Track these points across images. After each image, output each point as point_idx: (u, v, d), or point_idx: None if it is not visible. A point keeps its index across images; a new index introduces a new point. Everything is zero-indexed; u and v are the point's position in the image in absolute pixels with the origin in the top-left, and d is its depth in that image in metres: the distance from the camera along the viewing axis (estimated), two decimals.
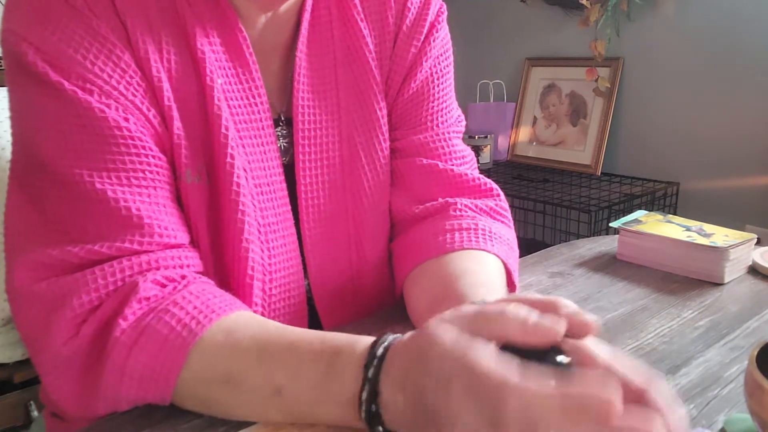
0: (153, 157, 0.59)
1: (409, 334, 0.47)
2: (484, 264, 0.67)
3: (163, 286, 0.56)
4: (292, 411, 0.50)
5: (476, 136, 2.38)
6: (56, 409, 0.71)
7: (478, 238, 0.69)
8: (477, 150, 2.36)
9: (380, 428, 0.46)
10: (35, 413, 1.07)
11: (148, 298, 0.54)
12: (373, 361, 0.47)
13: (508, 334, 0.42)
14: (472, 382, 0.40)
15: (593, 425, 0.37)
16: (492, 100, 2.63)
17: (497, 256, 0.69)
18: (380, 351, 0.47)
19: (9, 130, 0.95)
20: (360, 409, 0.47)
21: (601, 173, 2.28)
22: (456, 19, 0.79)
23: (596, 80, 2.27)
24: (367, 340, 0.50)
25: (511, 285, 0.71)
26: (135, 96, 0.58)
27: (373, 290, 0.76)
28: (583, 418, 0.37)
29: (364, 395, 0.46)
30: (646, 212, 0.97)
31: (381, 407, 0.46)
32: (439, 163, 0.75)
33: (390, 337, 0.48)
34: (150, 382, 0.52)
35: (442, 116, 0.77)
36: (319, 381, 0.49)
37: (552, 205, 2.07)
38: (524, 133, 2.50)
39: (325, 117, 0.71)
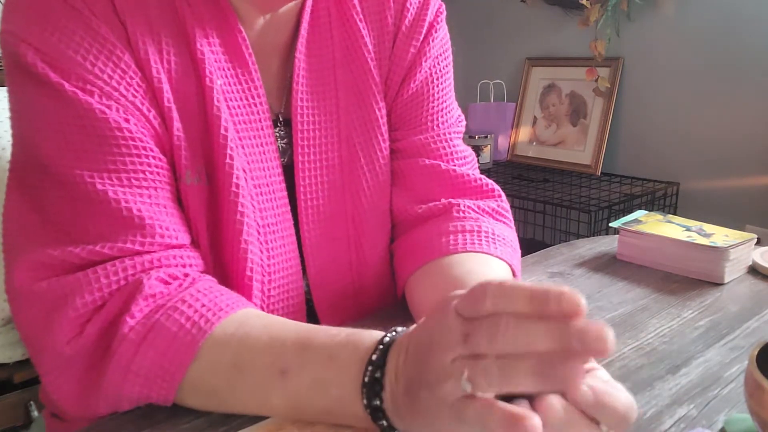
0: (153, 158, 0.59)
1: None
2: (490, 267, 0.67)
3: (168, 283, 0.56)
4: (292, 393, 0.50)
5: (476, 136, 2.38)
6: (56, 410, 0.71)
7: (481, 240, 0.69)
8: (477, 150, 2.36)
9: (377, 402, 0.46)
10: (35, 413, 1.07)
11: (154, 296, 0.54)
12: (393, 332, 0.48)
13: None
14: (464, 297, 0.41)
15: (557, 324, 0.38)
16: (492, 100, 2.63)
17: (501, 258, 0.69)
18: (400, 328, 0.48)
19: (9, 131, 0.95)
20: (364, 375, 0.46)
21: (601, 173, 2.28)
22: (456, 19, 0.79)
23: (596, 80, 2.27)
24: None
25: None
26: (135, 97, 0.58)
27: (374, 291, 0.76)
28: (548, 309, 0.38)
29: (374, 357, 0.46)
30: (646, 212, 0.97)
31: (384, 377, 0.46)
32: (441, 163, 0.75)
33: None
34: (156, 380, 0.52)
35: (442, 116, 0.77)
36: (329, 354, 0.49)
37: (552, 205, 2.07)
38: (524, 133, 2.50)
39: (324, 118, 0.71)
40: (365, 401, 0.46)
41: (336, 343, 0.50)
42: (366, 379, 0.46)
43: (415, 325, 0.47)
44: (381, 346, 0.47)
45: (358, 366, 0.47)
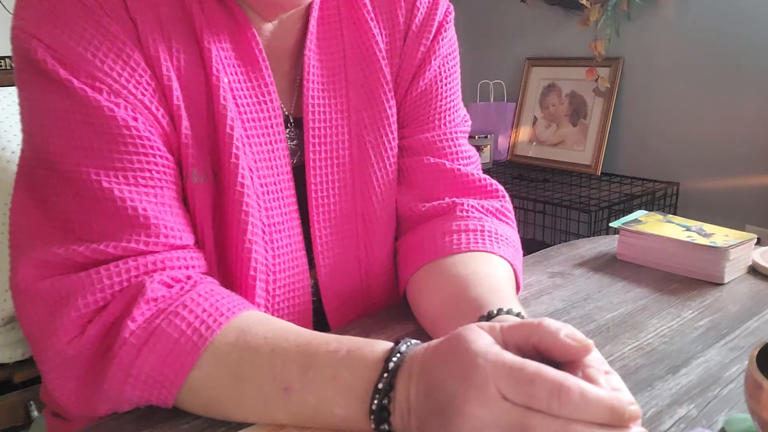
0: (160, 156, 0.59)
1: (437, 339, 0.47)
2: (494, 267, 0.67)
3: (170, 286, 0.56)
4: (296, 410, 0.50)
5: (476, 136, 2.38)
6: (57, 408, 0.71)
7: (485, 239, 0.69)
8: (477, 150, 2.35)
9: (385, 427, 0.46)
10: (35, 413, 1.07)
11: (155, 299, 0.54)
12: (397, 354, 0.48)
13: (538, 343, 0.43)
14: (500, 375, 0.41)
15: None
16: (492, 100, 2.63)
17: (504, 258, 0.69)
18: (404, 347, 0.48)
19: (9, 130, 0.95)
20: (372, 402, 0.47)
21: (601, 173, 2.28)
22: (456, 19, 0.79)
23: (596, 80, 2.27)
24: (388, 342, 0.50)
25: (516, 286, 0.71)
26: (144, 95, 0.58)
27: (381, 289, 0.76)
28: (622, 420, 0.39)
29: (380, 385, 0.47)
30: (646, 212, 0.97)
31: (392, 402, 0.46)
32: (446, 162, 0.75)
33: (414, 340, 0.49)
34: (155, 385, 0.52)
35: (449, 115, 0.77)
36: (332, 374, 0.49)
37: (552, 205, 2.07)
38: (524, 133, 2.50)
39: (335, 116, 0.71)
40: (374, 426, 0.47)
41: (338, 361, 0.50)
42: (374, 407, 0.47)
43: (424, 347, 0.47)
44: (386, 375, 0.47)
45: (362, 389, 0.48)
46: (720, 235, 0.86)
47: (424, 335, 0.67)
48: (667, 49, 2.16)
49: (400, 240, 0.76)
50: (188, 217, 0.62)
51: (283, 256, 0.68)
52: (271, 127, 0.66)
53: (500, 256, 0.69)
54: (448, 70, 0.77)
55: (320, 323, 0.73)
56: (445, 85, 0.77)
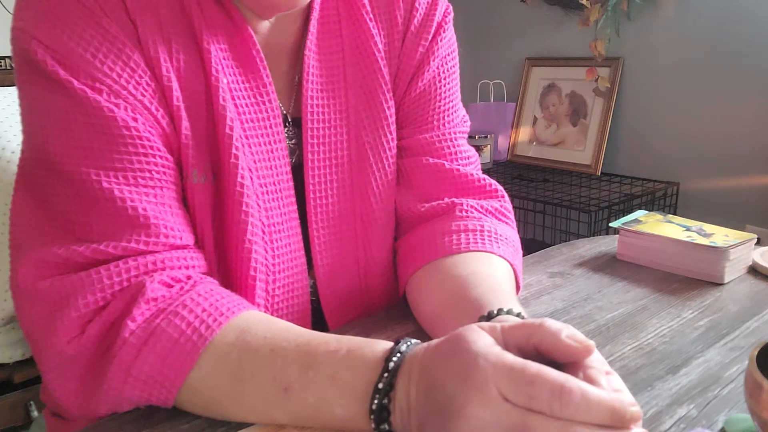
0: (160, 157, 0.59)
1: (437, 339, 0.47)
2: (494, 267, 0.67)
3: (170, 286, 0.56)
4: (296, 410, 0.50)
5: (476, 136, 2.38)
6: (57, 409, 0.71)
7: (484, 239, 0.69)
8: (477, 150, 2.35)
9: (385, 427, 0.46)
10: (35, 413, 1.07)
11: (155, 299, 0.54)
12: (397, 354, 0.48)
13: (539, 343, 0.43)
14: (500, 376, 0.41)
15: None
16: (492, 100, 2.63)
17: (503, 257, 0.69)
18: (404, 347, 0.48)
19: (9, 130, 0.95)
20: (372, 401, 0.47)
21: (601, 173, 2.28)
22: (456, 19, 0.79)
23: (596, 80, 2.27)
24: (388, 342, 0.50)
25: (516, 286, 0.71)
26: (144, 96, 0.59)
27: (380, 289, 0.76)
28: (623, 421, 0.40)
29: (381, 385, 0.47)
30: (646, 212, 0.97)
31: (392, 402, 0.46)
32: (445, 162, 0.75)
33: (414, 340, 0.49)
34: (155, 385, 0.52)
35: (448, 116, 0.77)
36: (332, 374, 0.49)
37: (552, 205, 2.07)
38: (524, 133, 2.50)
39: (334, 117, 0.71)
40: (374, 425, 0.47)
41: (337, 361, 0.50)
42: (374, 407, 0.47)
43: (424, 347, 0.47)
44: (386, 374, 0.47)
45: (362, 389, 0.48)
46: (720, 235, 0.86)
47: (424, 335, 0.67)
48: (667, 49, 2.16)
49: (400, 240, 0.76)
50: (188, 217, 0.62)
51: (282, 256, 0.68)
52: (270, 127, 0.67)
53: (500, 256, 0.69)
54: (447, 70, 0.77)
55: (319, 323, 0.73)
56: (444, 85, 0.77)
